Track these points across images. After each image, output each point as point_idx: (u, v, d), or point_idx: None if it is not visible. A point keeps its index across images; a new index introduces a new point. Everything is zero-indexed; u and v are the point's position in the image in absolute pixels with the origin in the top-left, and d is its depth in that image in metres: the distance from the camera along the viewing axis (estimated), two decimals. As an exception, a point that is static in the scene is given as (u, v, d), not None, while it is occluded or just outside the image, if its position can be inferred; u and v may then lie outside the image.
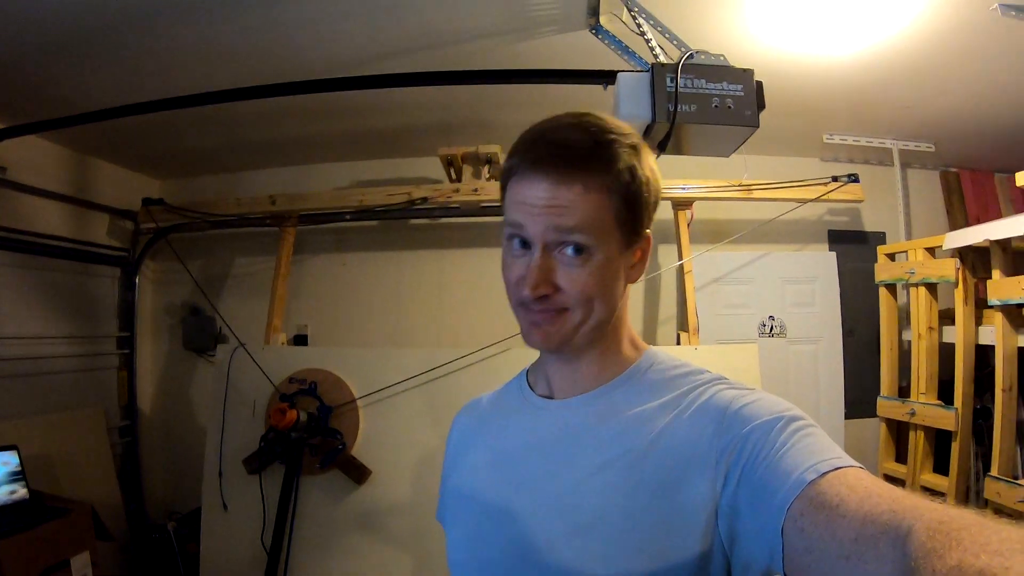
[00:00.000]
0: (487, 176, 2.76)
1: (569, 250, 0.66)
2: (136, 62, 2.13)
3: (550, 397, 0.77)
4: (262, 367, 2.32)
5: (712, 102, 1.67)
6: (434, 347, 2.71)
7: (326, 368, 2.30)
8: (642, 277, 0.74)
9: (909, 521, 0.42)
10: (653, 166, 0.71)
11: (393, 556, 2.19)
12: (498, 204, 2.80)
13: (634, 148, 0.68)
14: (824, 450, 0.55)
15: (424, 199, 2.73)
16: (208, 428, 2.34)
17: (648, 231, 0.72)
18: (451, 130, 2.83)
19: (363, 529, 2.21)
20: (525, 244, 0.68)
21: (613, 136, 0.67)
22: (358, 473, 2.19)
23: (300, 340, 3.17)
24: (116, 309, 3.20)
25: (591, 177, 0.65)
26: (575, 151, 0.65)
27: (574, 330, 0.70)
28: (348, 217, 2.95)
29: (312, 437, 2.19)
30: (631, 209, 0.68)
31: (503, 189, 0.72)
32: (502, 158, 2.75)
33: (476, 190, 2.71)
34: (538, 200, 0.65)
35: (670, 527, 0.62)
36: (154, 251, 3.25)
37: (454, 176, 2.80)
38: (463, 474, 0.82)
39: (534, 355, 0.80)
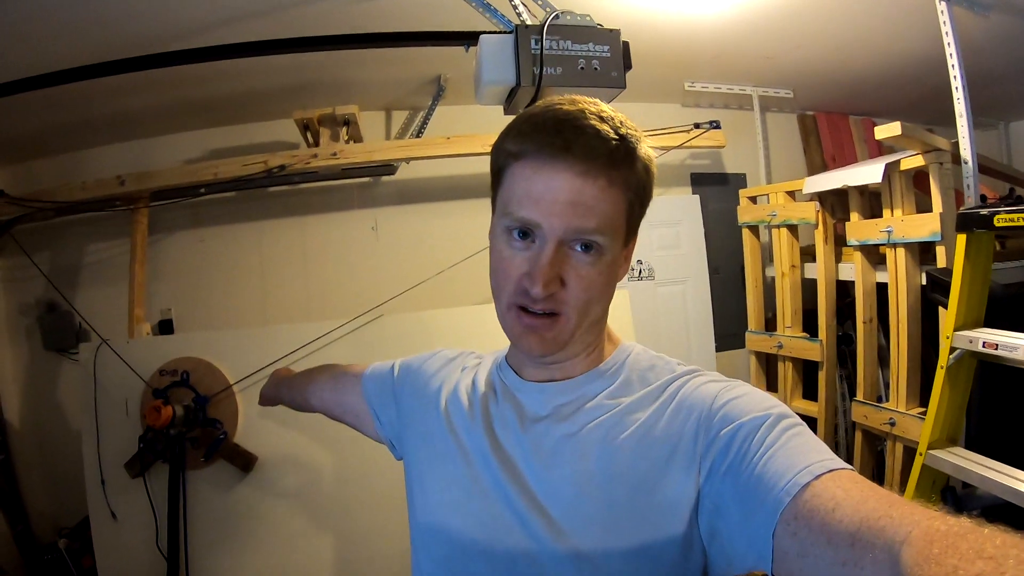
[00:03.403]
0: (345, 138, 2.63)
1: (580, 247, 0.63)
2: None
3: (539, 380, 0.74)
4: (129, 363, 2.16)
5: (578, 64, 1.65)
6: (304, 320, 2.61)
7: (196, 355, 2.17)
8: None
9: (906, 527, 0.42)
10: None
11: (291, 538, 2.15)
12: (359, 165, 2.72)
13: (643, 143, 0.67)
14: (815, 451, 0.54)
15: (282, 167, 2.55)
16: (82, 434, 2.17)
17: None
18: (305, 92, 2.67)
19: (258, 516, 2.14)
20: (525, 235, 0.64)
21: (631, 131, 0.65)
22: (244, 460, 2.11)
23: (165, 326, 2.95)
24: (-34, 316, 2.85)
25: (614, 172, 0.63)
26: (603, 142, 0.61)
27: (569, 335, 0.67)
28: (203, 191, 2.73)
29: (191, 430, 2.09)
30: (641, 206, 0.67)
31: (500, 173, 0.66)
32: (360, 118, 2.64)
33: (335, 154, 2.57)
34: (560, 194, 0.61)
35: (648, 521, 0.61)
36: (-2, 247, 2.93)
37: (311, 140, 2.66)
38: (430, 425, 0.79)
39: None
